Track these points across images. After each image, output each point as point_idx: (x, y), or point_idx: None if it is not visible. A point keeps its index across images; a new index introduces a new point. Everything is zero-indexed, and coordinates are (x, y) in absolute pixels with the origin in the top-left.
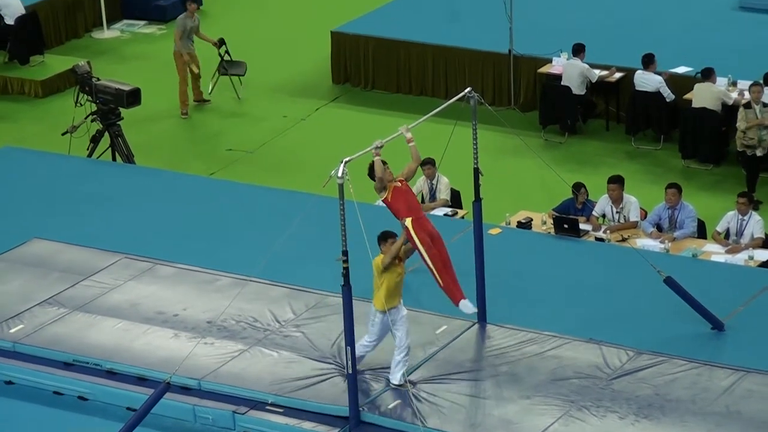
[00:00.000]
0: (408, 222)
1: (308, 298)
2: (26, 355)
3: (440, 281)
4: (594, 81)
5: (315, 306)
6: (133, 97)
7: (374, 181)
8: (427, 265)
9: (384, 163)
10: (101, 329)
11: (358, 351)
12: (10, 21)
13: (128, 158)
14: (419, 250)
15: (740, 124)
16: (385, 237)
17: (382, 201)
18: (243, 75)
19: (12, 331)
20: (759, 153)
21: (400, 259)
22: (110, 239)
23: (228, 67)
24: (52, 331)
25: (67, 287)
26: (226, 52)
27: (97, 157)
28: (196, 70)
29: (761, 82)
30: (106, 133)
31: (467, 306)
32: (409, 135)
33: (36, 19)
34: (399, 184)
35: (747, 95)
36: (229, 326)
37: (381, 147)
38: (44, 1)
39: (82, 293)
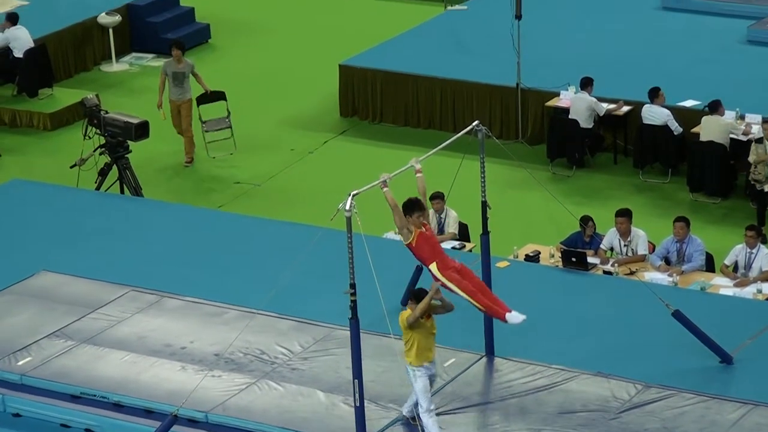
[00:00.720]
0: (433, 267)
1: (316, 331)
2: (34, 388)
3: (480, 307)
4: (602, 114)
5: (323, 339)
6: (142, 130)
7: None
8: (465, 298)
9: (416, 205)
10: (108, 362)
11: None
12: (19, 54)
13: (136, 191)
14: (451, 289)
15: (751, 158)
16: (416, 296)
17: (406, 245)
18: (224, 129)
19: (20, 363)
20: (766, 189)
21: (428, 315)
22: (118, 272)
23: (209, 127)
24: (60, 364)
25: (74, 320)
26: (227, 109)
27: (106, 190)
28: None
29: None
30: (115, 166)
31: (514, 317)
32: (418, 166)
33: (45, 52)
34: (424, 229)
35: (755, 129)
36: (236, 359)
37: (388, 180)
38: (53, 34)
39: (90, 326)
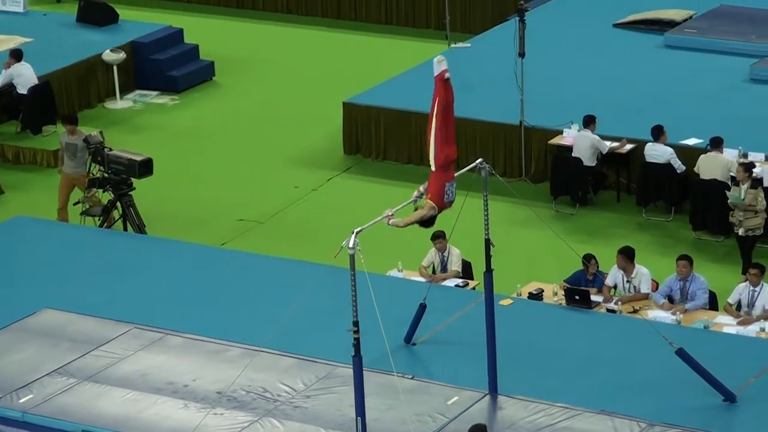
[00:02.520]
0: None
1: (318, 368)
2: (36, 425)
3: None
4: (605, 152)
5: (325, 377)
6: (146, 168)
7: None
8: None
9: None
10: (111, 399)
11: None
12: (22, 90)
13: (140, 228)
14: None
15: (730, 200)
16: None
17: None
18: (97, 215)
19: (22, 400)
20: (740, 233)
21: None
22: (121, 309)
23: (88, 211)
24: (62, 401)
25: (77, 357)
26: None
27: (109, 227)
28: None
29: (746, 162)
30: (118, 203)
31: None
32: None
33: (49, 89)
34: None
35: (757, 169)
36: (239, 397)
37: (392, 215)
38: (57, 72)
39: (92, 363)
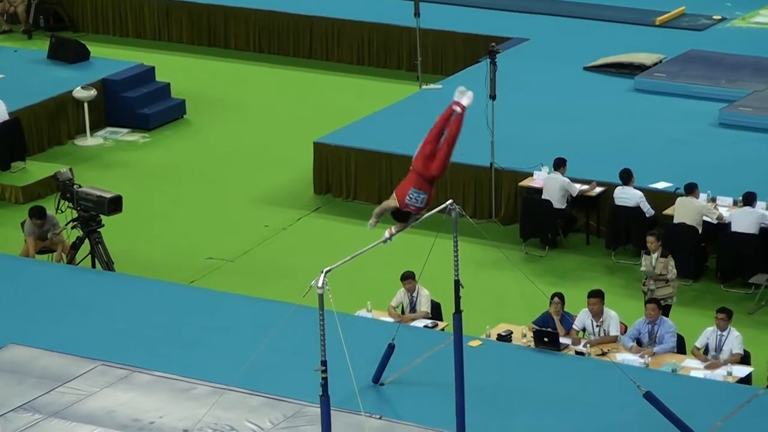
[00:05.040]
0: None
1: (287, 407)
2: None
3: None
4: (574, 195)
5: (293, 416)
6: (115, 205)
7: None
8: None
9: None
10: None
11: None
12: None
13: (108, 265)
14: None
15: (642, 268)
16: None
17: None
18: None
19: None
20: (646, 298)
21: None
22: (88, 346)
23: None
24: None
25: (42, 393)
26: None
27: (77, 264)
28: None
29: (656, 232)
30: (87, 240)
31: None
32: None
33: (18, 125)
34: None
35: (725, 213)
36: None
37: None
38: (27, 108)
39: (58, 400)
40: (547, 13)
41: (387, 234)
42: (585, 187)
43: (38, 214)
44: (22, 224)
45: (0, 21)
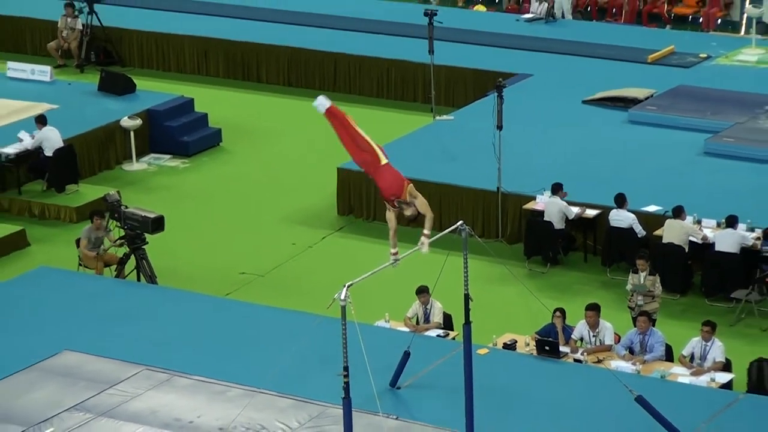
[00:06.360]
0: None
1: (312, 409)
2: None
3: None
4: (571, 218)
5: (318, 416)
6: (158, 224)
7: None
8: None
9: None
10: None
11: None
12: (49, 153)
13: (152, 279)
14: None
15: (628, 286)
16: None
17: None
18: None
19: None
20: (633, 315)
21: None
22: (134, 352)
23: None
24: None
25: (93, 395)
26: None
27: (124, 278)
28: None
29: (646, 251)
30: (133, 256)
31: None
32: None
33: (72, 151)
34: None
35: (710, 234)
36: None
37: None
38: (80, 136)
39: (106, 401)
40: (550, 51)
41: (392, 259)
42: (580, 209)
43: (98, 213)
44: (77, 241)
45: (55, 56)
